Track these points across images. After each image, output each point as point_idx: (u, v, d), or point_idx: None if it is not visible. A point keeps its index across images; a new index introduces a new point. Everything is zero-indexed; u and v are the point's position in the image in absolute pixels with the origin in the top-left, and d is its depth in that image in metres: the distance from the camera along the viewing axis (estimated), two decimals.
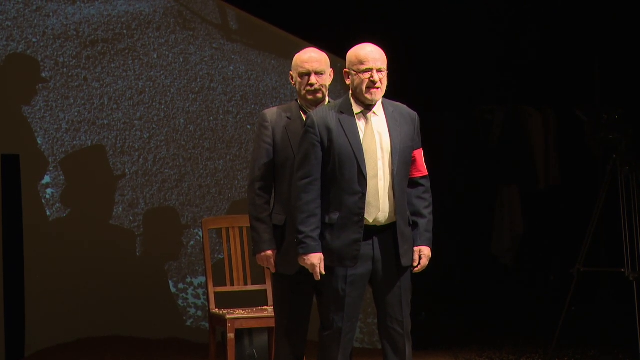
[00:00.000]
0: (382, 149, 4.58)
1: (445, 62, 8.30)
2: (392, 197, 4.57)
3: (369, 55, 4.59)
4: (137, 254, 7.49)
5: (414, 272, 4.69)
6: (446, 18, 8.25)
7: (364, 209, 4.53)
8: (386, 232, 4.59)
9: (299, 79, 4.79)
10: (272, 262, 4.75)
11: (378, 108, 4.66)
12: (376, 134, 4.59)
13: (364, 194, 4.52)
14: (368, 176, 4.52)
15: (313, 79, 4.76)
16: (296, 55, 4.84)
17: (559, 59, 8.46)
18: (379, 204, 4.54)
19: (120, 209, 7.44)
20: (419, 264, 4.67)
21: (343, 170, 4.53)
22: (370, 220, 4.54)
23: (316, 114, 4.62)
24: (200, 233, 7.40)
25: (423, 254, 4.67)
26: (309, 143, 4.56)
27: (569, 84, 8.42)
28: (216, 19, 7.73)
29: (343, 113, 4.61)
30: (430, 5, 8.14)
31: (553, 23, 8.42)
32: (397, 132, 4.61)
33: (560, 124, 8.77)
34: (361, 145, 4.54)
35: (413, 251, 4.66)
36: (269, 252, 4.74)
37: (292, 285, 4.73)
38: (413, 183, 4.69)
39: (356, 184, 4.53)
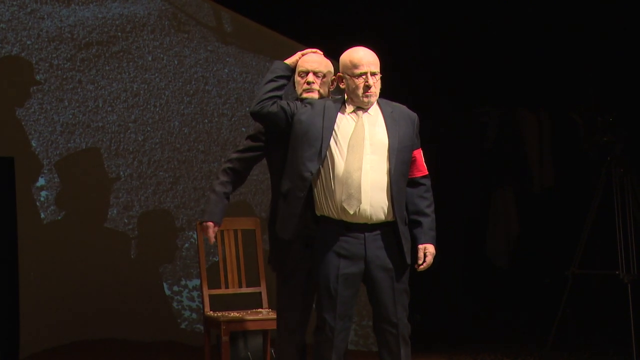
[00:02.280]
0: (372, 144, 4.61)
1: (439, 65, 8.32)
2: (390, 195, 4.61)
3: (363, 59, 4.64)
4: (132, 256, 7.49)
5: (419, 270, 4.72)
6: (440, 20, 8.28)
7: (308, 188, 4.61)
8: (381, 231, 4.63)
9: (298, 79, 4.86)
10: (210, 233, 4.92)
11: (373, 108, 4.71)
12: (366, 130, 4.62)
13: (311, 173, 4.59)
14: (352, 169, 4.56)
15: (311, 77, 4.83)
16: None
17: (554, 62, 8.48)
18: (361, 196, 4.56)
19: (115, 211, 7.44)
20: (424, 261, 4.71)
21: (304, 146, 4.61)
22: (351, 212, 4.58)
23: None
24: (194, 236, 7.40)
25: (428, 251, 4.71)
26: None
27: (563, 86, 8.44)
28: (211, 21, 7.74)
29: (334, 103, 4.70)
30: (424, 8, 8.16)
31: (548, 25, 8.44)
32: (395, 131, 4.66)
33: (555, 126, 8.79)
34: (332, 130, 4.61)
35: (417, 249, 4.70)
36: (210, 224, 4.92)
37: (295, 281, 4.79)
38: (414, 183, 4.74)
39: (312, 162, 4.60)
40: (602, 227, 7.64)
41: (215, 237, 5.00)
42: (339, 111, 4.68)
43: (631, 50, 8.09)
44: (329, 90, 4.91)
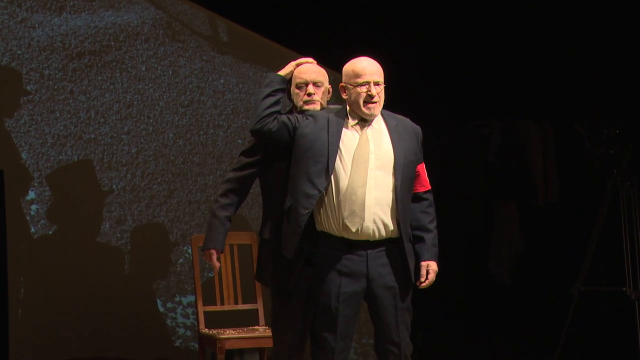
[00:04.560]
0: (378, 159, 4.57)
1: (439, 75, 8.29)
2: (395, 212, 4.59)
3: (366, 69, 4.62)
4: (125, 272, 7.46)
5: (420, 287, 4.70)
6: (440, 30, 8.25)
7: (313, 205, 4.56)
8: (384, 248, 4.59)
9: (296, 91, 4.79)
10: (214, 261, 4.88)
11: (377, 121, 4.68)
12: (371, 145, 4.59)
13: (319, 191, 4.54)
14: (357, 185, 4.52)
15: (311, 88, 4.77)
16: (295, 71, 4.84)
17: (558, 71, 8.45)
18: (364, 214, 4.52)
19: (108, 225, 7.41)
20: (427, 278, 4.69)
21: (309, 162, 4.57)
22: (353, 230, 4.54)
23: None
24: (189, 250, 7.37)
25: (431, 268, 4.69)
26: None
27: (568, 97, 8.41)
28: (206, 30, 7.72)
29: (336, 116, 4.64)
30: (423, 18, 8.14)
31: (552, 34, 8.41)
32: (400, 146, 4.64)
33: (559, 138, 8.76)
34: (338, 145, 4.57)
35: (420, 267, 4.67)
36: (212, 251, 4.89)
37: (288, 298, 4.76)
38: (417, 197, 4.72)
39: (320, 179, 4.55)
40: (609, 242, 7.60)
41: (219, 260, 4.94)
42: (342, 125, 4.62)
43: (638, 60, 8.06)
44: (327, 100, 4.86)
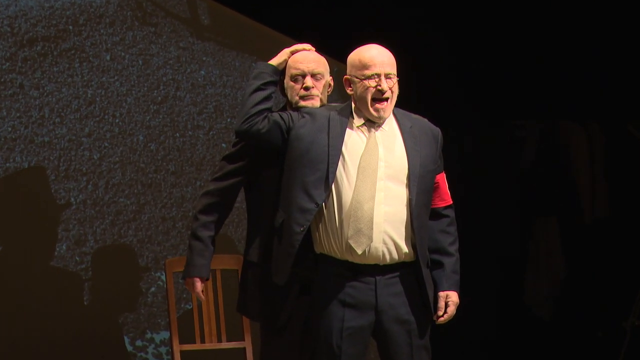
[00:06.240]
0: (389, 167, 4.59)
1: (464, 65, 8.32)
2: (410, 232, 4.59)
3: (375, 58, 4.61)
4: (85, 303, 7.48)
5: (438, 322, 4.70)
6: (468, 10, 8.27)
7: (309, 221, 4.57)
8: (397, 274, 4.60)
9: (290, 83, 4.80)
10: (199, 290, 4.88)
11: (389, 121, 4.68)
12: (380, 150, 4.60)
13: (317, 204, 4.55)
14: (363, 198, 4.53)
15: (309, 81, 4.77)
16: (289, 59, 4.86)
17: (607, 64, 8.48)
18: (372, 233, 4.53)
19: (64, 247, 7.43)
20: (445, 312, 4.68)
21: (305, 169, 4.58)
22: (359, 252, 4.54)
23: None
24: (163, 277, 7.39)
25: (450, 300, 4.69)
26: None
27: (619, 93, 8.44)
28: (184, 11, 7.76)
29: (339, 115, 4.65)
30: (449, 3, 8.17)
31: (597, 22, 8.44)
32: (416, 153, 4.64)
33: (609, 142, 8.79)
34: (341, 150, 4.58)
35: (438, 297, 4.68)
36: (196, 279, 4.88)
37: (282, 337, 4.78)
38: (436, 214, 4.73)
39: (318, 190, 4.56)
40: None
41: (203, 291, 4.95)
42: (346, 125, 4.63)
43: None
44: (327, 95, 4.87)
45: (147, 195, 7.61)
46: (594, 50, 8.48)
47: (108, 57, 7.59)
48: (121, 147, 7.58)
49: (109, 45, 7.60)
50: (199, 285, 4.87)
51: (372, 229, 4.53)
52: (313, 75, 4.79)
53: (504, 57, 8.44)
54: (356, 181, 4.55)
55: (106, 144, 7.57)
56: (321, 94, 4.81)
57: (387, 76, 4.60)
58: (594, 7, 8.27)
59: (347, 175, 4.57)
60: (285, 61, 4.82)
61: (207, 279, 4.92)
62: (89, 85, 7.55)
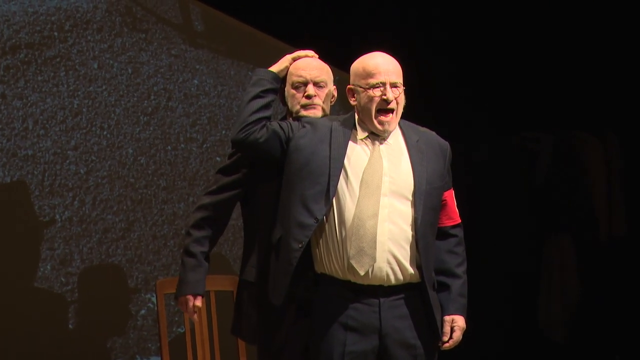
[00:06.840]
0: (393, 183, 4.60)
1: (474, 75, 8.33)
2: (415, 252, 4.59)
3: (380, 67, 4.63)
4: (70, 326, 7.47)
5: (443, 348, 4.71)
6: (477, 18, 8.29)
7: (308, 237, 4.57)
8: (402, 296, 4.61)
9: (292, 91, 4.81)
10: (191, 309, 4.86)
11: (394, 134, 4.70)
12: (385, 164, 4.61)
13: (317, 220, 4.56)
14: (366, 215, 4.53)
15: (311, 89, 4.79)
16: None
17: (625, 72, 8.49)
18: (375, 252, 4.54)
19: (49, 266, 7.42)
20: (451, 337, 4.69)
21: (305, 182, 4.59)
22: (362, 272, 4.55)
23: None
24: (153, 299, 7.39)
25: (457, 325, 4.71)
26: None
27: (637, 102, 8.45)
28: (176, 17, 7.76)
29: (342, 126, 4.66)
30: (454, 7, 8.18)
31: (612, 29, 8.45)
32: (422, 167, 4.65)
33: (626, 154, 8.79)
34: (343, 163, 4.58)
35: (444, 322, 4.69)
36: (189, 297, 4.85)
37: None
38: (442, 233, 4.74)
39: (318, 205, 4.56)
40: None
41: (196, 312, 4.93)
42: (349, 137, 4.65)
43: None
44: (330, 106, 4.89)
45: (136, 212, 7.62)
46: (610, 58, 8.49)
47: (95, 66, 7.59)
48: (109, 161, 7.58)
49: (97, 52, 7.60)
50: (191, 303, 4.85)
51: (375, 248, 4.54)
52: (316, 84, 4.81)
53: (515, 66, 8.45)
54: (359, 197, 4.56)
55: (93, 158, 7.57)
56: (324, 103, 4.82)
57: (393, 85, 4.61)
58: (610, 16, 8.28)
59: (349, 190, 4.58)
60: (287, 68, 4.83)
61: (203, 297, 4.89)
62: (75, 95, 7.55)
